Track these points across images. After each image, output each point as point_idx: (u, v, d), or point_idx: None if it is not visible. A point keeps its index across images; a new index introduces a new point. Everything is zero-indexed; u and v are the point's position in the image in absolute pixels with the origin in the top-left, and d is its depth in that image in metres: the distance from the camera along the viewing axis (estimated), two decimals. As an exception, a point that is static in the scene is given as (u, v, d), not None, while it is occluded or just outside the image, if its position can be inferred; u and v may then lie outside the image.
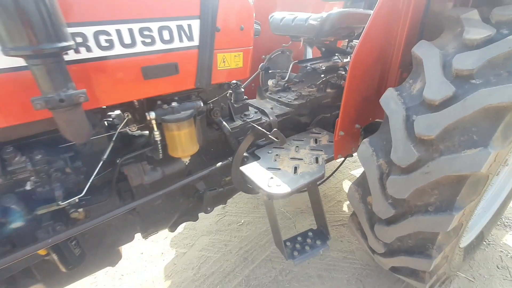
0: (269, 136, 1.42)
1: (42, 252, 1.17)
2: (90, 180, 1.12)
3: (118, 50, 0.91)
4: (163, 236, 2.38)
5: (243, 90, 1.72)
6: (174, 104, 1.10)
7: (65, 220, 1.15)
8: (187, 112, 1.11)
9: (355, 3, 2.22)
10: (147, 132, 1.35)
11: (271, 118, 1.70)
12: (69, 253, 1.18)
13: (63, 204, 1.08)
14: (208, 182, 1.55)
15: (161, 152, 1.18)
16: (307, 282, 1.92)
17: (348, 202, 2.65)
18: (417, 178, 1.08)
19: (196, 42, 1.07)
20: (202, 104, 1.19)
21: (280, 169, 1.47)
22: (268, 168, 1.47)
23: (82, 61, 0.84)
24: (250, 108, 1.77)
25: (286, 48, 2.41)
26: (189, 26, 1.04)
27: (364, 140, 1.31)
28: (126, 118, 1.19)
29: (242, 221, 2.48)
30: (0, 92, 0.76)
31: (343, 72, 1.97)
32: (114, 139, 1.17)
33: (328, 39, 2.04)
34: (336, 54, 2.19)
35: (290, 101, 1.91)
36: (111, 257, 1.46)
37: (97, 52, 0.88)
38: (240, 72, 1.28)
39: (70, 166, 1.07)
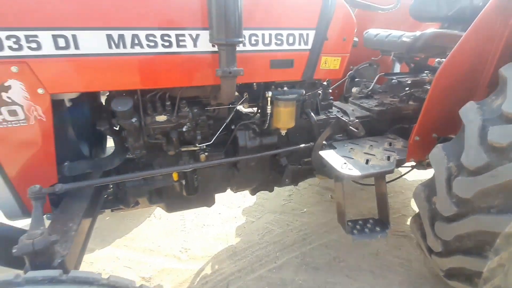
0: (350, 126, 1.71)
1: (175, 177, 1.71)
2: (217, 134, 1.62)
3: (260, 47, 1.36)
4: (237, 205, 2.85)
5: (330, 91, 2.05)
6: (285, 88, 1.51)
7: (194, 159, 1.66)
8: (293, 95, 1.50)
9: (452, 25, 2.31)
10: (251, 109, 1.80)
11: (351, 118, 1.97)
12: (191, 182, 1.70)
13: (198, 146, 1.59)
14: (289, 160, 1.92)
15: (267, 123, 1.60)
16: (358, 273, 2.09)
17: (412, 218, 2.67)
18: (484, 180, 1.22)
19: (309, 46, 1.46)
20: (304, 92, 1.57)
21: (353, 158, 1.74)
22: (343, 156, 1.75)
23: (240, 51, 1.31)
24: (333, 107, 2.09)
25: (374, 61, 2.63)
26: (307, 34, 1.43)
27: (438, 144, 1.48)
28: (245, 97, 1.66)
29: (305, 209, 2.77)
30: (196, 65, 1.29)
31: (429, 87, 2.10)
32: (235, 109, 1.65)
33: (418, 55, 2.20)
34: (426, 71, 2.31)
35: (371, 107, 2.14)
36: (209, 199, 1.95)
37: (248, 47, 1.34)
38: (335, 73, 1.61)
39: (207, 122, 1.57)
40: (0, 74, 1.10)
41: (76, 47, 1.14)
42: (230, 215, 2.72)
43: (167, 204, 1.87)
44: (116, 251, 2.33)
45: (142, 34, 1.19)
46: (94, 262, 2.24)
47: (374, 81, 2.38)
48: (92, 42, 1.15)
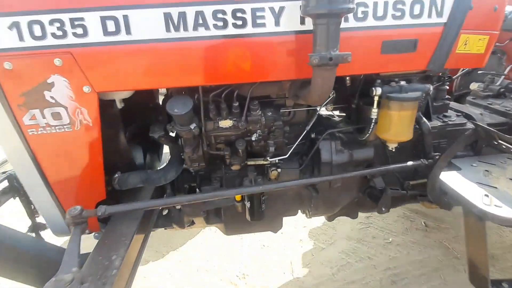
0: (501, 140, 1.14)
1: (238, 197, 1.38)
2: (294, 145, 1.23)
3: (369, 22, 0.93)
4: (302, 224, 2.42)
5: (447, 87, 1.48)
6: (403, 82, 1.04)
7: (262, 175, 1.31)
8: (416, 94, 1.02)
9: None
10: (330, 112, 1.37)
11: (480, 125, 1.38)
12: (258, 206, 1.34)
13: (270, 160, 1.23)
14: (386, 181, 1.42)
15: (369, 133, 1.15)
16: None
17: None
18: None
19: (444, 19, 0.97)
20: (431, 89, 1.08)
21: (496, 187, 1.16)
22: (478, 184, 1.19)
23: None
24: (449, 110, 1.51)
25: (498, 47, 1.93)
26: (442, 1, 0.94)
27: None
28: (332, 95, 1.23)
29: (390, 239, 2.19)
30: (277, 51, 0.92)
31: None
32: (318, 113, 1.24)
33: None
34: None
35: (508, 110, 1.50)
36: (276, 223, 1.58)
37: (351, 23, 0.92)
38: (477, 60, 1.08)
39: (283, 129, 1.19)
40: (43, 69, 0.91)
41: (128, 31, 0.88)
42: (294, 236, 2.31)
43: (226, 226, 1.56)
44: (170, 267, 2.13)
45: (208, 10, 0.87)
46: (147, 277, 2.07)
47: (505, 72, 1.71)
48: (147, 24, 0.88)
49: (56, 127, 0.98)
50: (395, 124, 1.06)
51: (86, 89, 0.93)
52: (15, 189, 1.46)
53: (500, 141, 1.15)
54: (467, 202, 1.11)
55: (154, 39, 0.90)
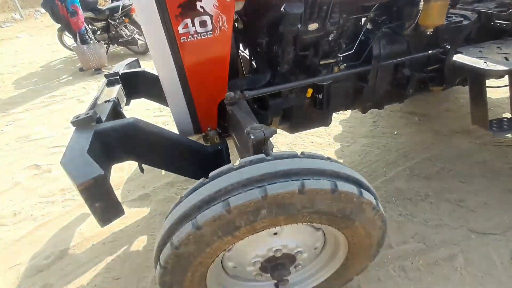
0: (497, 19, 1.65)
1: (308, 94, 1.77)
2: (356, 42, 1.63)
3: None
4: (327, 133, 2.95)
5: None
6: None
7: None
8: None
9: None
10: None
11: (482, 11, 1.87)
12: (326, 98, 1.76)
13: (340, 56, 1.62)
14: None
15: (415, 22, 1.57)
16: (471, 179, 2.19)
17: None
18: None
19: None
20: None
21: (489, 57, 1.71)
22: (478, 57, 1.73)
23: None
24: None
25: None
26: None
27: None
28: None
29: (396, 132, 2.83)
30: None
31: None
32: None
33: None
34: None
35: (489, 10, 2.02)
36: (328, 118, 2.03)
37: None
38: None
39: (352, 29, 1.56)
40: (197, -19, 1.14)
41: None
42: (323, 142, 2.84)
43: (291, 125, 1.98)
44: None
45: None
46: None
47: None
48: None
49: (201, 34, 1.25)
50: (433, 12, 1.49)
51: (228, -4, 1.20)
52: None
53: (496, 21, 1.67)
54: (475, 68, 1.64)
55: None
